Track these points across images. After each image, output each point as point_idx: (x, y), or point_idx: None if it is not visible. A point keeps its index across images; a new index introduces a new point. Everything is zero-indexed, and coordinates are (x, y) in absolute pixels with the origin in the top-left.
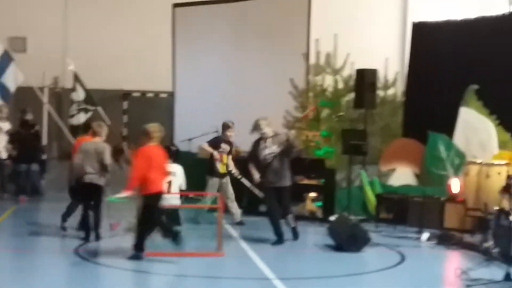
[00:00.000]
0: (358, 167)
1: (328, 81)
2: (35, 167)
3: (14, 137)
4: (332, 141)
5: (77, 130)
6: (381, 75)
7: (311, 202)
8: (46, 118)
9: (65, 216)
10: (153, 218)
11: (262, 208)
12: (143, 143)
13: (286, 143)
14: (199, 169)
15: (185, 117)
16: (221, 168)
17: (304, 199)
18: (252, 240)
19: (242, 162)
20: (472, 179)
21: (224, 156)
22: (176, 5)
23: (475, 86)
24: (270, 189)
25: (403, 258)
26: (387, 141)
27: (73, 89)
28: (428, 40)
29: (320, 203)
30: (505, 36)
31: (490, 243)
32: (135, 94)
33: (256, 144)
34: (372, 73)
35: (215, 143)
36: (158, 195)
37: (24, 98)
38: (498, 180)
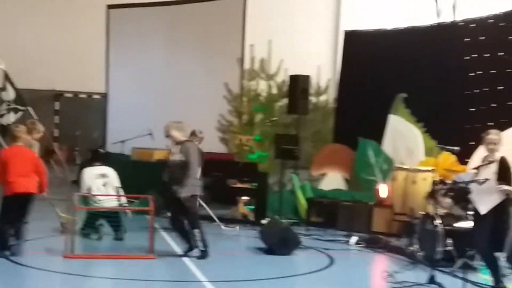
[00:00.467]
0: (290, 171)
1: (262, 86)
2: None
3: None
4: (265, 145)
5: (6, 130)
6: (313, 81)
7: (244, 205)
8: None
9: None
10: (10, 218)
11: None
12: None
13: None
14: (133, 171)
15: (119, 119)
16: None
17: (236, 202)
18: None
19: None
20: (400, 185)
21: None
22: (110, 6)
23: (404, 94)
24: (170, 197)
25: (332, 261)
26: (319, 147)
27: (2, 88)
28: (360, 48)
29: (252, 207)
30: (432, 47)
31: (415, 247)
32: (67, 95)
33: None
34: (305, 79)
35: None
36: (17, 196)
37: None
38: (424, 185)
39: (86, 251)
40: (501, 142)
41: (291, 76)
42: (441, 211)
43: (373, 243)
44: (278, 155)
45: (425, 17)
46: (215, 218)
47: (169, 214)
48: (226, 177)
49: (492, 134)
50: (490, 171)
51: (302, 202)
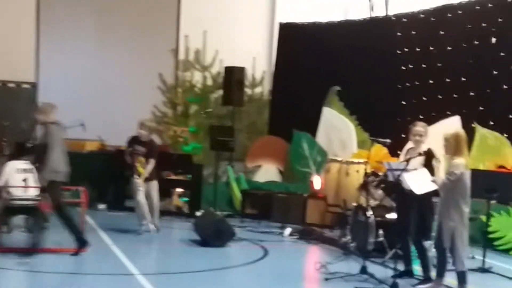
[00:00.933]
0: (225, 163)
1: (197, 77)
2: None
3: None
4: (200, 137)
5: None
6: (249, 73)
7: (178, 197)
8: None
9: None
10: None
11: (128, 203)
12: None
13: None
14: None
15: None
16: (139, 170)
17: (171, 194)
18: (116, 235)
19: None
20: (333, 177)
21: (139, 159)
22: None
23: (337, 87)
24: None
25: (266, 253)
26: (254, 138)
27: None
28: (294, 41)
29: (186, 199)
30: (366, 40)
31: (348, 238)
32: None
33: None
34: (240, 71)
35: (128, 142)
36: None
37: None
38: (356, 177)
39: (10, 244)
40: (427, 134)
41: (226, 68)
42: (373, 202)
43: (306, 234)
44: (213, 147)
45: (359, 11)
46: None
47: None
48: (160, 169)
49: (419, 126)
50: (417, 163)
51: (237, 194)
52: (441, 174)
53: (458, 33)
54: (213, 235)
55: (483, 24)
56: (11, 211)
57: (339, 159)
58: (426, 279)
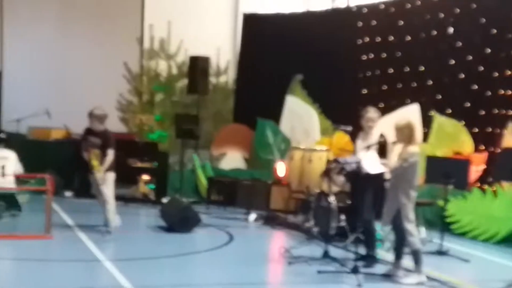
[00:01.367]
0: (190, 151)
1: (162, 66)
2: None
3: None
4: (165, 125)
5: None
6: (213, 62)
7: (144, 184)
8: None
9: None
10: None
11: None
12: None
13: None
14: (30, 151)
15: (14, 97)
16: (93, 163)
17: (137, 181)
18: (83, 222)
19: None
20: (296, 164)
21: (94, 151)
22: None
23: (300, 76)
24: None
25: (231, 238)
26: (219, 127)
27: None
28: (258, 31)
29: (152, 186)
30: (327, 31)
31: (311, 223)
32: None
33: None
34: (205, 60)
35: (82, 135)
36: None
37: None
38: (319, 164)
39: None
40: (378, 120)
41: (190, 57)
42: (335, 188)
43: (271, 220)
44: (179, 135)
45: (321, 2)
46: None
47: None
48: (126, 156)
49: (370, 112)
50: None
51: (203, 181)
52: (393, 157)
53: (417, 24)
54: (179, 222)
55: (441, 15)
56: None
57: (302, 146)
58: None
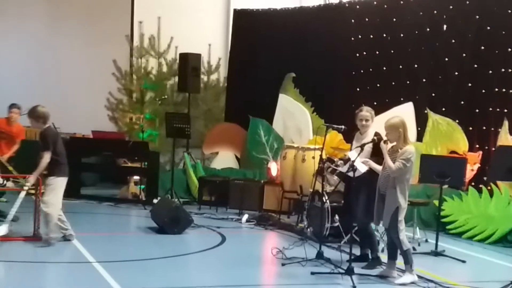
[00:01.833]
0: (181, 150)
1: (152, 64)
2: None
3: None
4: (156, 124)
5: None
6: (204, 60)
7: (135, 185)
8: None
9: None
10: None
11: (84, 191)
12: None
13: None
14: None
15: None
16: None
17: (127, 182)
18: (72, 223)
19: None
20: (289, 163)
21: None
22: None
23: (292, 74)
24: None
25: (223, 239)
26: (210, 125)
27: None
28: (250, 28)
29: (143, 186)
30: (320, 27)
31: (304, 224)
32: None
33: None
34: (196, 57)
35: None
36: None
37: None
38: (312, 163)
39: None
40: (373, 118)
41: (181, 54)
42: (329, 188)
43: (264, 220)
44: (170, 134)
45: None
46: None
47: None
48: (116, 156)
49: (364, 111)
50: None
51: (194, 181)
52: (387, 157)
53: (410, 21)
54: (171, 222)
55: (435, 12)
56: None
57: (295, 145)
58: (375, 258)
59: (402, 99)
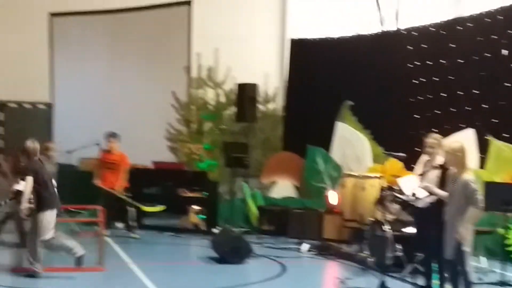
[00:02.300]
0: (240, 179)
1: (210, 94)
2: None
3: None
4: (214, 154)
5: None
6: (261, 89)
7: (194, 214)
8: None
9: None
10: None
11: (148, 221)
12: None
13: None
14: (81, 182)
15: (65, 129)
16: None
17: (187, 212)
18: (134, 253)
19: None
20: (349, 191)
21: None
22: (53, 15)
23: (350, 102)
24: None
25: (284, 269)
26: (268, 154)
27: None
28: (306, 57)
29: (203, 216)
30: (377, 55)
31: (365, 253)
32: (11, 105)
33: None
34: (253, 87)
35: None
36: None
37: None
38: (372, 192)
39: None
40: (440, 146)
41: (238, 85)
42: (390, 217)
43: (324, 250)
44: (228, 164)
45: (369, 26)
46: None
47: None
48: (176, 186)
49: (431, 138)
50: (434, 175)
51: (253, 211)
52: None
53: (468, 46)
54: (231, 252)
55: (493, 36)
56: None
57: (355, 173)
58: None
59: (462, 125)
